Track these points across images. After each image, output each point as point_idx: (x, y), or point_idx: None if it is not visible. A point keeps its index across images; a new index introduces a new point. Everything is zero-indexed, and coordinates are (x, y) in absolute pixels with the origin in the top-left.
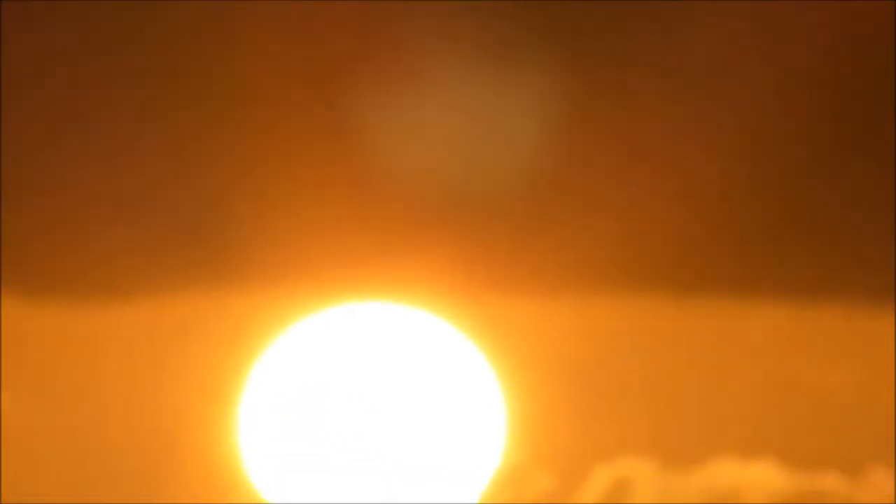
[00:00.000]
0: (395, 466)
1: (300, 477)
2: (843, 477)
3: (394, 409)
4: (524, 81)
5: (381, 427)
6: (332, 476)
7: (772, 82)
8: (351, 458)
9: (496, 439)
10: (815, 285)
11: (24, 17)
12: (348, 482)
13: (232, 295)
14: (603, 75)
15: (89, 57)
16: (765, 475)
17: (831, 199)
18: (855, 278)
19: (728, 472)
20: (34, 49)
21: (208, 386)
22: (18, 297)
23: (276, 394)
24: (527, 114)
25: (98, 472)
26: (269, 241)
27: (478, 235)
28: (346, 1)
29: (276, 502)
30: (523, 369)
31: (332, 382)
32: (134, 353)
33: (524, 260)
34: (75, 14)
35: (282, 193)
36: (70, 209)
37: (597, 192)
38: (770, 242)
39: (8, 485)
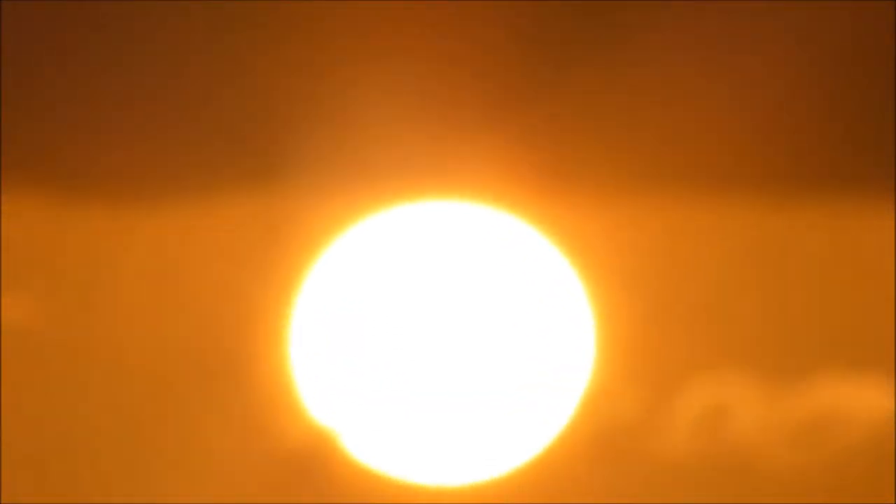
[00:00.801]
0: (468, 387)
1: (358, 397)
2: None
3: (467, 321)
4: None
5: (453, 342)
6: (396, 397)
7: None
8: (418, 378)
9: (585, 355)
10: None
11: None
12: (414, 404)
13: (282, 198)
14: None
15: None
16: (875, 393)
17: None
18: None
19: (835, 389)
20: None
21: (257, 297)
22: (49, 201)
23: (333, 305)
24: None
25: (137, 390)
26: (320, 139)
27: (557, 129)
28: None
29: (331, 423)
30: (612, 278)
31: (395, 292)
32: (174, 262)
33: (612, 159)
34: None
35: (334, 89)
36: (104, 108)
37: (694, 86)
38: (891, 137)
39: (39, 404)
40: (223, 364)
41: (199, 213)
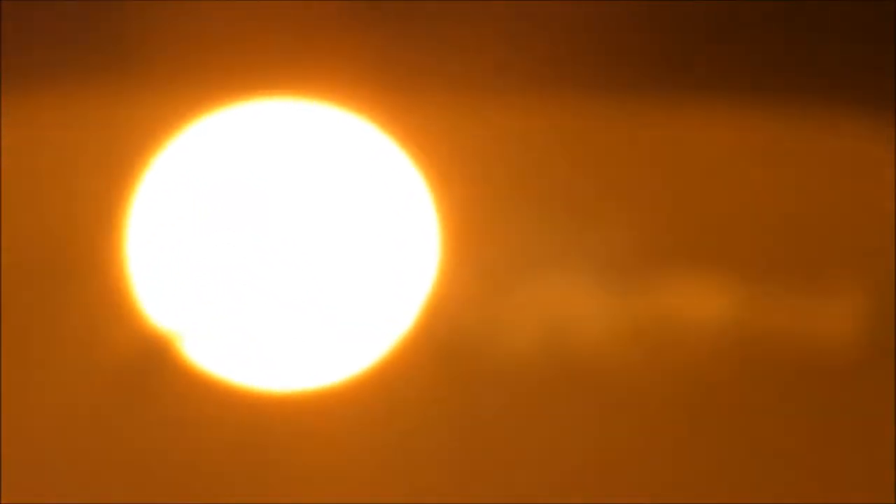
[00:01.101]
0: (309, 290)
1: (198, 301)
2: (804, 294)
3: (308, 223)
4: None
5: (294, 244)
6: (236, 301)
7: None
8: (258, 281)
9: (428, 259)
10: (793, 85)
11: None
12: (255, 308)
13: (120, 88)
14: None
15: None
16: (719, 295)
17: None
18: (846, 82)
19: (680, 290)
20: None
21: (92, 194)
22: None
23: (172, 205)
24: None
25: None
26: (160, 30)
27: (402, 25)
28: None
29: (169, 328)
30: (455, 177)
31: (236, 192)
32: (6, 156)
33: (462, 59)
34: None
35: None
36: None
37: None
38: (733, 31)
39: None
40: (55, 265)
41: (29, 102)
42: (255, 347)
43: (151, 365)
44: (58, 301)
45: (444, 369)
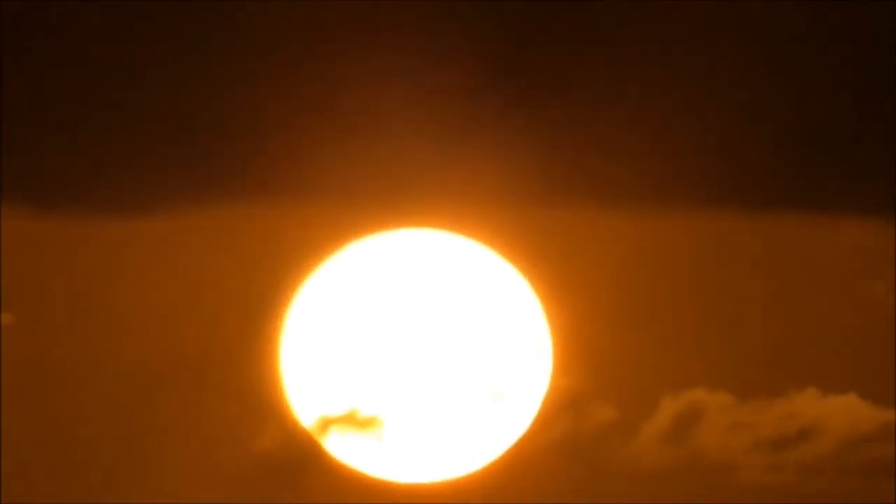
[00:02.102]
0: (440, 394)
1: (342, 403)
2: None
3: (438, 335)
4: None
5: (426, 354)
6: (377, 403)
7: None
8: (396, 385)
9: (544, 365)
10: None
11: None
12: (393, 409)
13: (274, 215)
14: None
15: None
16: (845, 409)
17: None
18: None
19: (806, 404)
20: None
21: (249, 307)
22: (45, 215)
23: (320, 320)
24: (553, 27)
25: (130, 395)
26: (298, 167)
27: (519, 159)
28: None
29: (316, 427)
30: (573, 294)
31: (376, 309)
32: (169, 270)
33: (570, 183)
34: None
35: (313, 120)
36: (84, 117)
37: (648, 100)
38: (848, 153)
39: (29, 412)
40: (214, 369)
41: (193, 224)
42: (394, 444)
43: (300, 462)
44: (215, 402)
45: (560, 466)
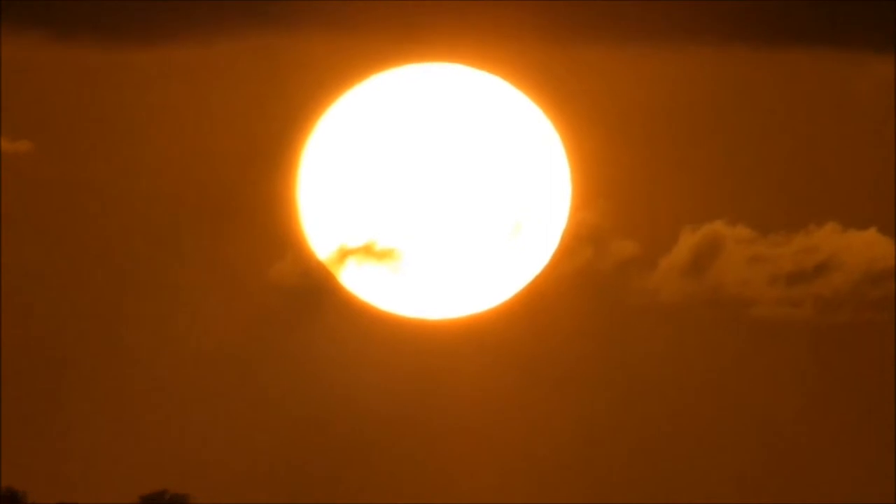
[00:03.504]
0: (458, 228)
1: (358, 236)
2: None
3: (455, 169)
4: None
5: (443, 188)
6: (392, 236)
7: None
8: (412, 219)
9: (564, 200)
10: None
11: None
12: (408, 242)
13: (287, 44)
14: None
15: None
16: (865, 243)
17: None
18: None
19: (826, 239)
20: None
21: (267, 137)
22: (49, 39)
23: (338, 152)
24: None
25: (147, 224)
26: (320, 1)
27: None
28: None
29: (332, 258)
30: (593, 130)
31: (394, 142)
32: (184, 97)
33: (590, 13)
34: None
35: None
36: None
37: None
38: None
39: (46, 240)
40: (234, 199)
41: (215, 54)
42: (410, 280)
43: (314, 291)
44: (230, 231)
45: (580, 299)
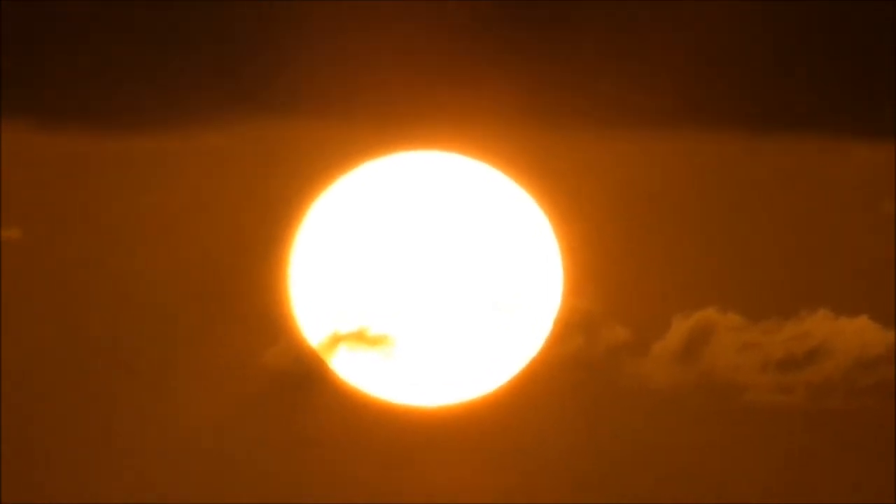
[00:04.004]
0: (449, 316)
1: (349, 323)
2: None
3: (448, 257)
4: None
5: (435, 276)
6: (384, 322)
7: None
8: (403, 306)
9: (555, 286)
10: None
11: None
12: (399, 329)
13: (276, 134)
14: None
15: None
16: (856, 330)
17: None
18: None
19: (817, 325)
20: None
21: (259, 224)
22: (46, 131)
23: (330, 238)
24: None
25: (137, 310)
26: (311, 91)
27: (531, 76)
28: None
29: (324, 344)
30: (584, 215)
31: (386, 232)
32: (170, 186)
33: (578, 97)
34: None
35: (331, 43)
36: (95, 32)
37: (654, 22)
38: (854, 79)
39: (42, 322)
40: (226, 284)
41: (206, 142)
42: (401, 366)
43: (306, 380)
44: (221, 317)
45: (572, 386)
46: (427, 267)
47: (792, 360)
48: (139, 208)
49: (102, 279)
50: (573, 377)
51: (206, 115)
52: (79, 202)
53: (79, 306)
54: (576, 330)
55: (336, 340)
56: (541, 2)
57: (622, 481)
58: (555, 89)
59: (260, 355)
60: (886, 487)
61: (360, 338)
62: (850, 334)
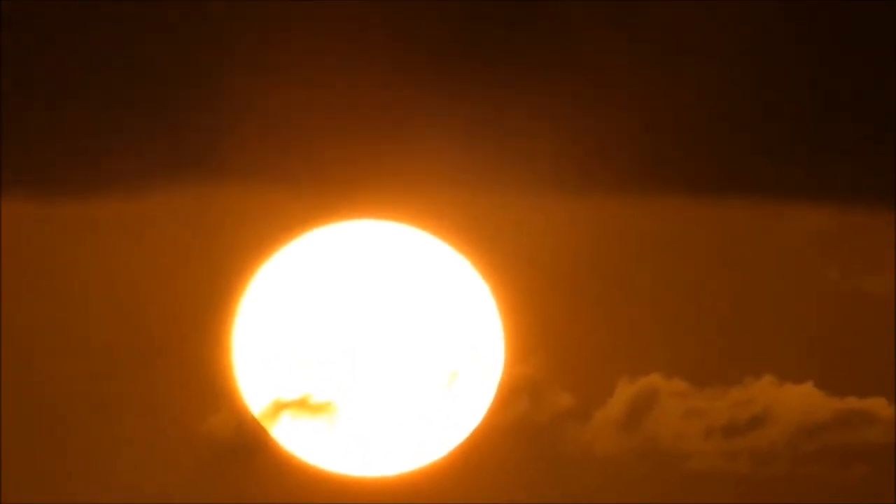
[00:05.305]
0: (393, 383)
1: (292, 392)
2: (887, 400)
3: (388, 325)
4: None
5: (376, 345)
6: (325, 392)
7: None
8: (345, 375)
9: (498, 353)
10: (854, 185)
11: None
12: (342, 399)
13: (220, 199)
14: None
15: None
16: (801, 396)
17: (858, 105)
18: None
19: (762, 392)
20: None
21: (201, 292)
22: (9, 197)
23: (272, 305)
24: (519, 24)
25: (79, 374)
26: (254, 156)
27: (457, 148)
28: None
29: (266, 412)
30: (525, 282)
31: (328, 299)
32: (113, 250)
33: (519, 164)
34: None
35: (272, 109)
36: (49, 100)
37: (602, 87)
38: (801, 141)
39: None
40: (167, 350)
41: (149, 207)
42: (344, 435)
43: (247, 450)
44: (162, 384)
45: (516, 452)
46: (370, 335)
47: (736, 427)
48: (81, 272)
49: (42, 341)
50: (518, 442)
51: (149, 179)
52: (17, 264)
53: (19, 367)
54: (519, 396)
55: (278, 408)
56: (484, 67)
57: None
58: (492, 155)
59: (202, 422)
60: None
61: (302, 405)
62: (795, 401)
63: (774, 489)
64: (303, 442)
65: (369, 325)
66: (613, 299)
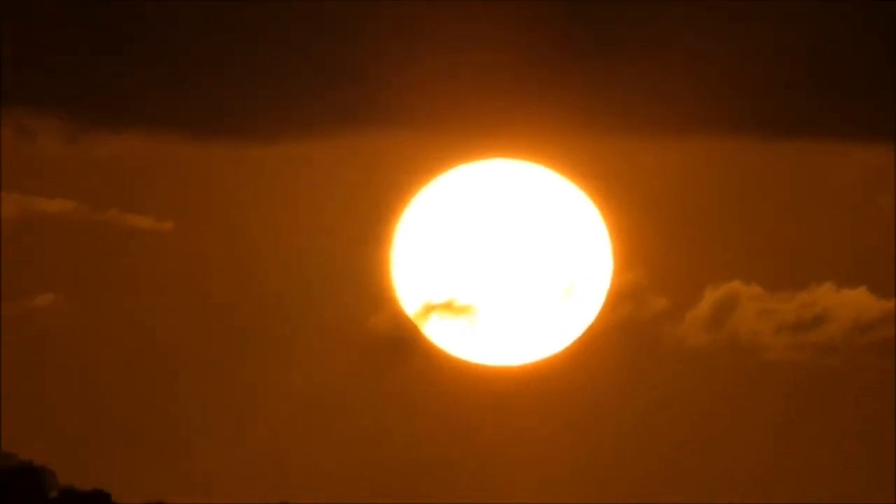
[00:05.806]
0: (524, 290)
1: (440, 299)
2: None
3: (521, 246)
4: None
5: (507, 263)
6: (468, 298)
7: None
8: (483, 286)
9: (606, 265)
10: None
11: None
12: (483, 302)
13: (375, 144)
14: None
15: None
16: (855, 299)
17: None
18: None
19: (823, 295)
20: None
21: (362, 219)
22: (191, 139)
23: (424, 228)
24: None
25: (258, 291)
26: (405, 105)
27: (581, 97)
28: None
29: (419, 313)
30: (631, 208)
31: (470, 222)
32: (290, 185)
33: (624, 117)
34: None
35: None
36: (230, 61)
37: (692, 42)
38: (855, 86)
39: (174, 306)
40: (336, 266)
41: (319, 148)
42: (483, 332)
43: (401, 342)
44: (333, 292)
45: (622, 348)
46: (505, 250)
47: (802, 325)
48: (267, 204)
49: (237, 262)
50: (623, 338)
51: (321, 126)
52: (218, 199)
53: (216, 285)
54: (624, 301)
55: (429, 310)
56: (587, 37)
57: (661, 424)
58: (604, 106)
59: (365, 322)
60: (881, 432)
61: (449, 307)
62: (850, 303)
63: (833, 376)
64: (448, 337)
65: (504, 242)
66: (702, 221)
